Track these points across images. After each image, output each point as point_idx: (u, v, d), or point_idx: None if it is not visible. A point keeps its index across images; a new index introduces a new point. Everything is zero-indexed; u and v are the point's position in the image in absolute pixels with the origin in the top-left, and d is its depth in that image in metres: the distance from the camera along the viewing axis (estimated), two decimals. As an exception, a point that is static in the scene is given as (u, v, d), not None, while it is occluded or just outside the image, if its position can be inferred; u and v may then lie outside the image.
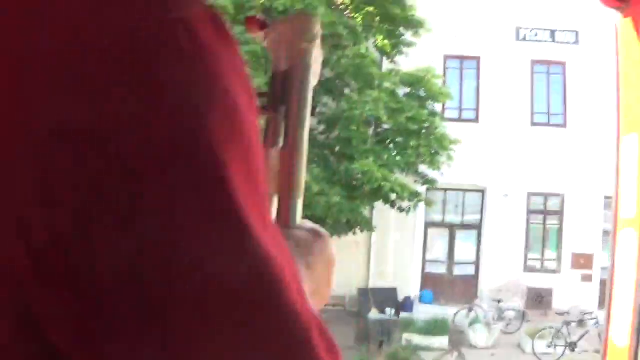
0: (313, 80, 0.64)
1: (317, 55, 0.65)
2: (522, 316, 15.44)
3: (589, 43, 16.78)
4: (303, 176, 0.61)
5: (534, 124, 17.38)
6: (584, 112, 17.01)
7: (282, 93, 0.63)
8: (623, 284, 1.64)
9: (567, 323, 15.36)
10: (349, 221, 13.32)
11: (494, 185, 17.17)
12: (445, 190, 17.02)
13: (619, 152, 1.83)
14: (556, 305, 16.80)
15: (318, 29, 0.65)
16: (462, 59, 17.70)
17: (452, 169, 15.27)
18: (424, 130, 13.95)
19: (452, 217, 18.21)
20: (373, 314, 13.99)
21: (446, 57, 17.52)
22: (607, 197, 16.71)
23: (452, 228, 18.06)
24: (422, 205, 14.44)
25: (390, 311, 14.67)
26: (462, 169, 16.18)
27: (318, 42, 0.65)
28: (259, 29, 0.68)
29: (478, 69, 17.64)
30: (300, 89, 0.63)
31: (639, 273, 1.58)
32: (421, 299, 16.62)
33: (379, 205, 14.33)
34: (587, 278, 17.16)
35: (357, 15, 13.29)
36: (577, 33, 17.35)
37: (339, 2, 13.35)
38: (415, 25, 14.17)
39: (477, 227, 17.81)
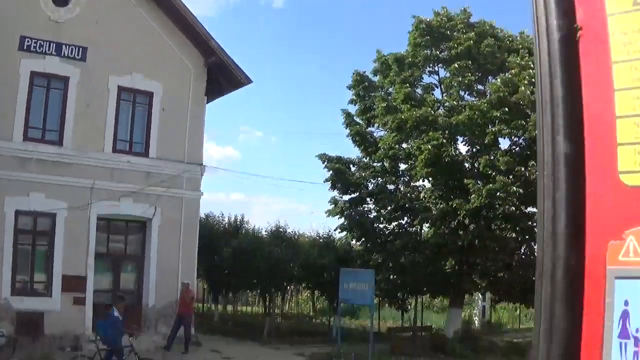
0: None
1: None
2: (14, 343, 19.53)
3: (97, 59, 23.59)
4: None
5: (27, 138, 22.64)
6: (81, 130, 23.41)
7: None
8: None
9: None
10: None
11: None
12: None
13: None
14: (48, 330, 22.22)
15: None
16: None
17: None
18: None
19: None
20: None
21: None
22: (99, 218, 23.95)
23: None
24: None
25: None
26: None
27: None
28: None
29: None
30: None
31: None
32: None
33: None
34: (80, 301, 23.02)
35: None
36: (84, 49, 23.57)
37: None
38: None
39: (-40, 247, 21.45)
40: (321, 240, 34.29)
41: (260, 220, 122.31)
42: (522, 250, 28.99)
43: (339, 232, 31.42)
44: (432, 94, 30.34)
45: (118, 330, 17.56)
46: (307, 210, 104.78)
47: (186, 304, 24.15)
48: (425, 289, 30.24)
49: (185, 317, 23.97)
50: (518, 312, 46.49)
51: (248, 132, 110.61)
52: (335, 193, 30.98)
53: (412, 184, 30.19)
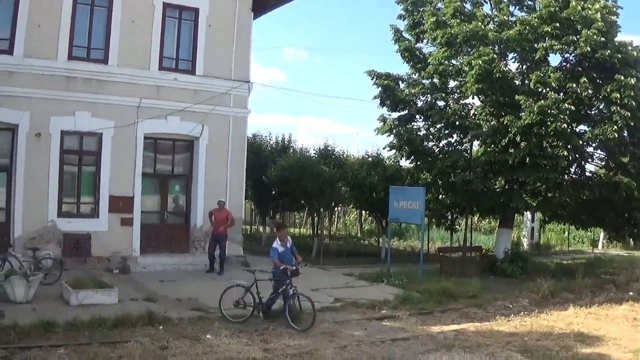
0: None
1: None
2: (61, 264, 19.32)
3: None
4: None
5: (72, 57, 22.40)
6: (126, 47, 23.26)
7: None
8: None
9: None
10: None
11: (26, 123, 21.62)
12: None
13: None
14: (95, 251, 22.56)
15: None
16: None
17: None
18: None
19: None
20: None
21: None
22: (146, 137, 23.85)
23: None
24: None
25: None
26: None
27: None
28: None
29: None
30: None
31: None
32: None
33: None
34: (127, 222, 23.24)
35: None
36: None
37: None
38: None
39: (7, 169, 21.77)
40: (370, 159, 33.78)
41: (306, 142, 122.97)
42: (573, 169, 28.28)
43: (388, 151, 30.95)
44: (482, 8, 29.48)
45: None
46: (352, 132, 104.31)
47: (224, 224, 23.44)
48: (475, 208, 29.78)
49: (222, 238, 23.49)
50: (567, 233, 45.96)
51: (292, 53, 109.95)
52: (384, 110, 30.50)
53: (462, 100, 29.49)
